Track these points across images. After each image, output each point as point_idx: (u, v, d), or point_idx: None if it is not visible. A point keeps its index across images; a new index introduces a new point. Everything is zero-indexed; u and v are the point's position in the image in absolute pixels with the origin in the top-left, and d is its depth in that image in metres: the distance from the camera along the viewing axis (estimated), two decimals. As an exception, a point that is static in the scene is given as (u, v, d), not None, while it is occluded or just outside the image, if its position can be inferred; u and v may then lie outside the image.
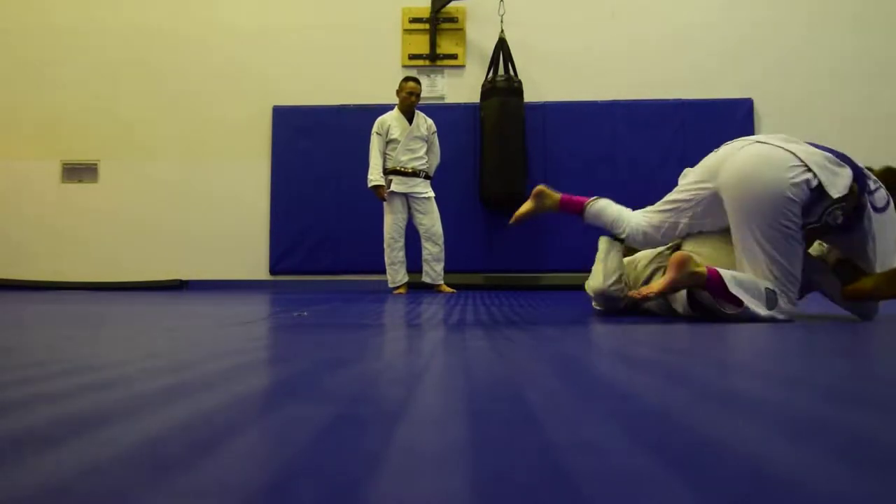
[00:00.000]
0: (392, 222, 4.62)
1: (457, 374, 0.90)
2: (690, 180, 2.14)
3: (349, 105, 5.92)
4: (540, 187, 2.44)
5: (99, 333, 1.68)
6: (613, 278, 2.29)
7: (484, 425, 0.55)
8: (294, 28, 6.12)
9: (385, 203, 4.63)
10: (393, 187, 4.60)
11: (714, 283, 1.84)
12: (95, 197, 6.10)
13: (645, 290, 2.01)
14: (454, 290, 4.70)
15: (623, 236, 2.29)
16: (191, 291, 5.27)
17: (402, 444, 0.48)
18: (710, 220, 2.09)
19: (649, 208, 2.28)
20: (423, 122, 4.74)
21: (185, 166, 6.08)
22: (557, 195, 2.42)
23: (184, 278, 5.93)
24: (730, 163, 1.97)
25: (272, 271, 5.93)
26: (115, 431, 0.52)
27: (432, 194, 4.70)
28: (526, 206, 2.48)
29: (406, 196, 4.65)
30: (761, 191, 1.85)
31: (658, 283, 1.96)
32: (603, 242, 2.36)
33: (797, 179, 1.82)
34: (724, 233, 2.06)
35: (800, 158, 1.84)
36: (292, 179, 5.94)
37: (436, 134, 4.80)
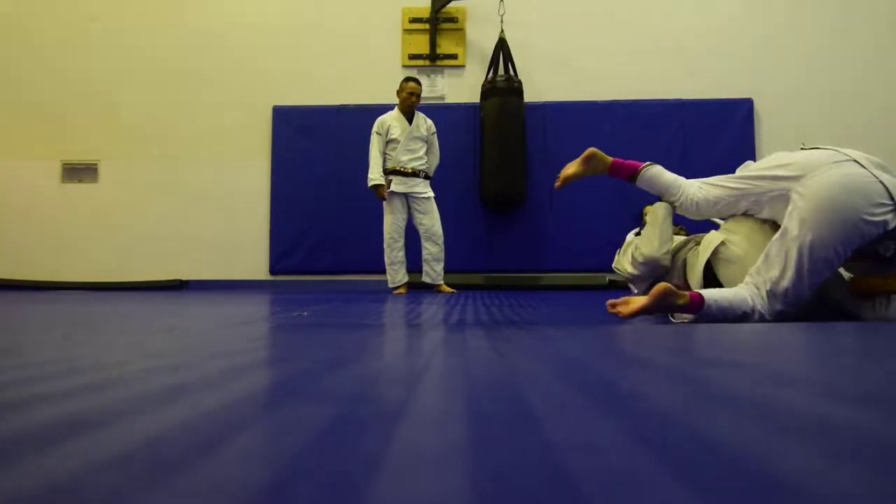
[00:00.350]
0: (392, 222, 4.63)
1: (457, 374, 0.90)
2: (770, 172, 2.07)
3: (349, 105, 5.92)
4: (592, 150, 2.39)
5: (99, 333, 1.68)
6: (668, 246, 2.28)
7: (484, 425, 0.55)
8: (294, 28, 6.12)
9: (385, 203, 4.63)
10: (393, 187, 4.60)
11: (693, 307, 1.85)
12: (95, 197, 6.11)
13: (621, 309, 1.94)
14: (454, 290, 4.70)
15: (677, 204, 2.28)
16: (191, 291, 5.27)
17: (402, 444, 0.48)
18: (768, 210, 2.06)
19: (708, 180, 2.25)
20: (423, 123, 4.74)
21: (185, 166, 6.08)
22: (609, 159, 2.38)
23: (184, 278, 5.93)
24: (821, 174, 1.92)
25: (272, 271, 5.93)
26: (115, 431, 0.52)
27: (432, 194, 4.70)
28: (574, 168, 2.42)
29: (406, 196, 4.65)
30: (839, 214, 1.83)
31: (635, 306, 1.91)
32: (661, 208, 2.33)
33: (877, 219, 1.80)
34: (765, 221, 2.08)
35: (891, 195, 1.82)
36: (292, 179, 5.94)
37: (435, 134, 4.81)
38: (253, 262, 5.94)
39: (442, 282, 4.70)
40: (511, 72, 5.61)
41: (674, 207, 2.32)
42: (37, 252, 6.03)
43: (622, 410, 0.63)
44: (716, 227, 2.31)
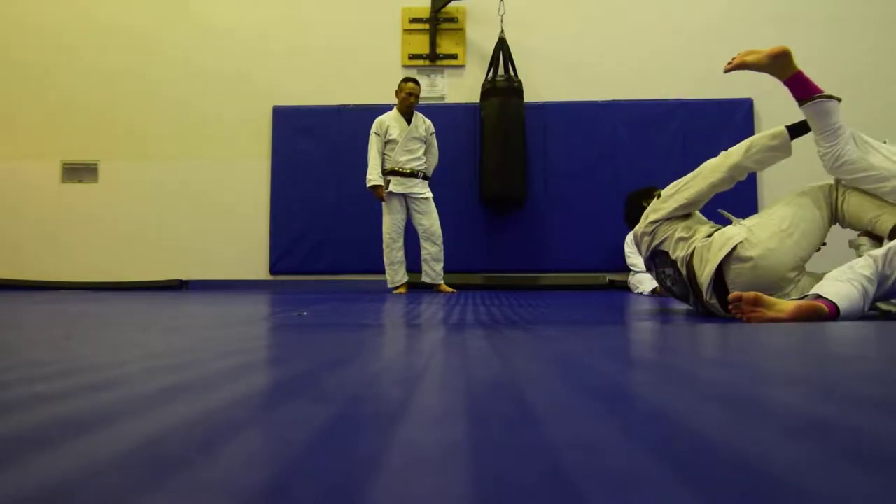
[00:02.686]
0: (391, 222, 4.63)
1: (457, 374, 0.89)
2: None
3: (349, 105, 5.92)
4: (787, 49, 2.20)
5: (99, 333, 1.68)
6: (700, 202, 2.25)
7: (484, 425, 0.55)
8: (294, 28, 6.12)
9: (383, 203, 4.64)
10: (391, 188, 4.61)
11: (832, 317, 1.75)
12: (95, 197, 6.11)
13: (754, 315, 1.74)
14: (454, 290, 4.70)
15: (825, 149, 2.15)
16: (191, 291, 5.27)
17: (402, 444, 0.48)
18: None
19: (871, 142, 2.15)
20: (422, 123, 4.75)
21: (186, 166, 6.08)
22: (796, 68, 2.22)
23: (184, 278, 5.93)
24: None
25: (272, 271, 5.93)
26: (115, 431, 0.52)
27: (430, 194, 4.70)
28: (755, 58, 2.22)
29: (404, 196, 4.65)
30: None
31: (770, 315, 1.73)
32: (784, 132, 2.23)
33: None
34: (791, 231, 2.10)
35: None
36: (292, 179, 5.94)
37: (434, 135, 4.81)
38: (253, 262, 5.94)
39: (442, 281, 4.70)
40: (511, 72, 5.61)
41: (818, 147, 2.18)
42: (37, 252, 6.04)
43: (622, 410, 0.63)
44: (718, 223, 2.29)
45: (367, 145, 4.69)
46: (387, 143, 4.67)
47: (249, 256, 5.94)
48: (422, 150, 4.72)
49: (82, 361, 1.03)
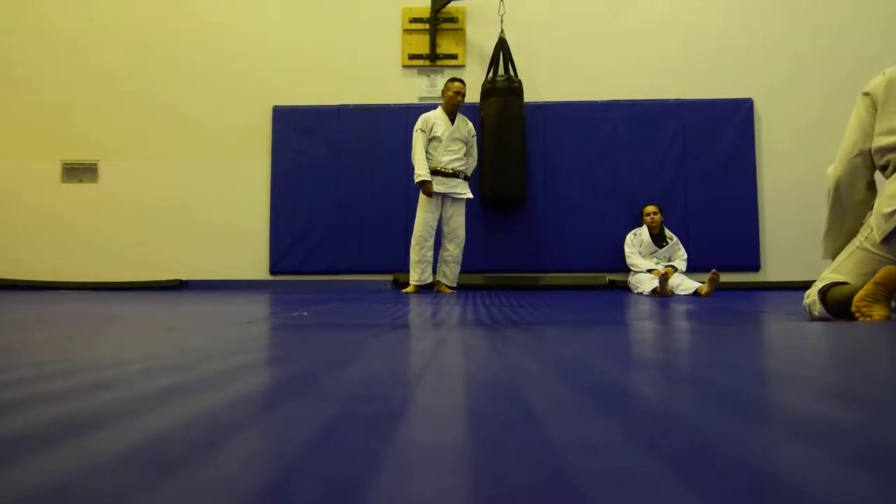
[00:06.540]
0: (424, 220, 4.65)
1: (457, 374, 0.89)
2: None
3: (349, 105, 5.92)
4: None
5: (99, 333, 1.68)
6: None
7: (484, 425, 0.55)
8: (294, 28, 6.12)
9: (422, 201, 4.64)
10: (433, 187, 4.62)
11: None
12: (95, 197, 6.11)
13: None
14: (454, 290, 4.71)
15: None
16: (191, 291, 5.27)
17: (402, 444, 0.48)
18: None
19: None
20: (464, 125, 4.78)
21: (185, 166, 6.08)
22: None
23: (184, 278, 5.93)
24: None
25: (272, 271, 5.93)
26: (115, 431, 0.52)
27: (470, 196, 4.73)
28: None
29: (443, 196, 4.67)
30: None
31: None
32: None
33: None
34: None
35: None
36: (292, 179, 5.94)
37: (475, 137, 4.86)
38: (253, 262, 5.94)
39: (455, 284, 4.73)
40: (511, 72, 5.61)
41: None
42: (37, 252, 6.03)
43: (622, 410, 0.63)
44: None
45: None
46: (430, 140, 4.69)
47: (249, 256, 5.94)
48: (462, 151, 4.76)
49: (82, 361, 1.03)
